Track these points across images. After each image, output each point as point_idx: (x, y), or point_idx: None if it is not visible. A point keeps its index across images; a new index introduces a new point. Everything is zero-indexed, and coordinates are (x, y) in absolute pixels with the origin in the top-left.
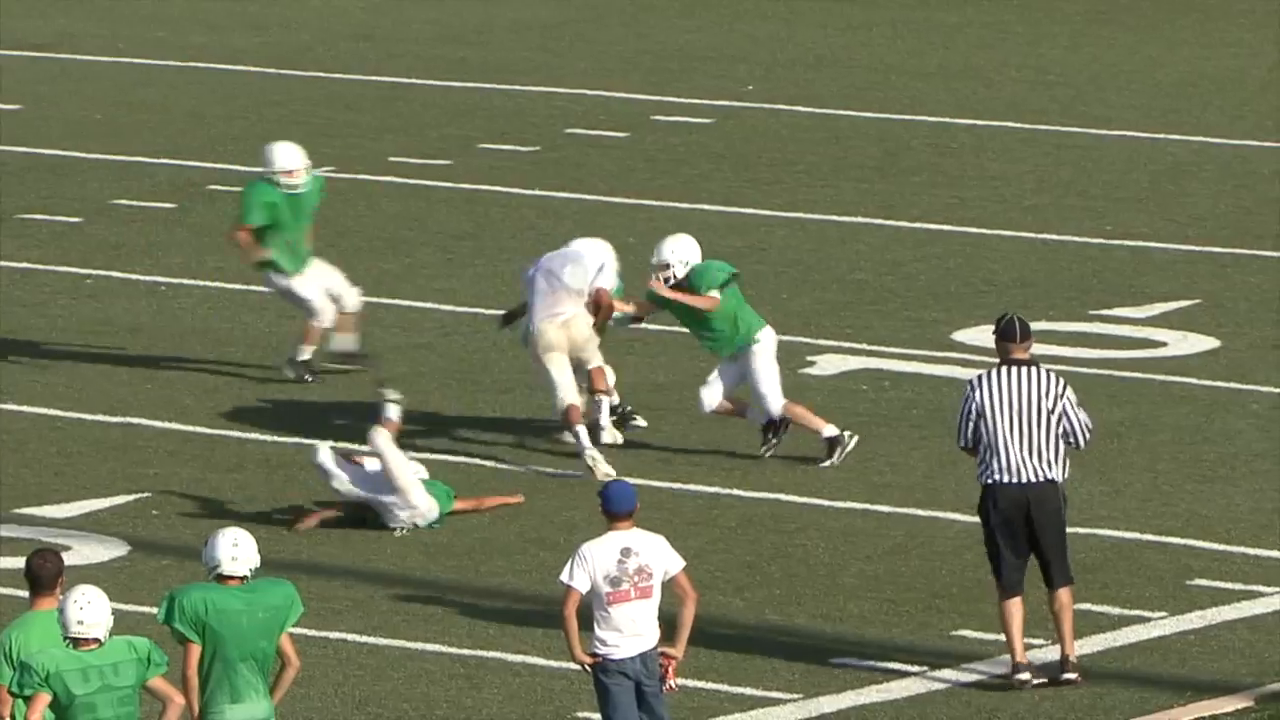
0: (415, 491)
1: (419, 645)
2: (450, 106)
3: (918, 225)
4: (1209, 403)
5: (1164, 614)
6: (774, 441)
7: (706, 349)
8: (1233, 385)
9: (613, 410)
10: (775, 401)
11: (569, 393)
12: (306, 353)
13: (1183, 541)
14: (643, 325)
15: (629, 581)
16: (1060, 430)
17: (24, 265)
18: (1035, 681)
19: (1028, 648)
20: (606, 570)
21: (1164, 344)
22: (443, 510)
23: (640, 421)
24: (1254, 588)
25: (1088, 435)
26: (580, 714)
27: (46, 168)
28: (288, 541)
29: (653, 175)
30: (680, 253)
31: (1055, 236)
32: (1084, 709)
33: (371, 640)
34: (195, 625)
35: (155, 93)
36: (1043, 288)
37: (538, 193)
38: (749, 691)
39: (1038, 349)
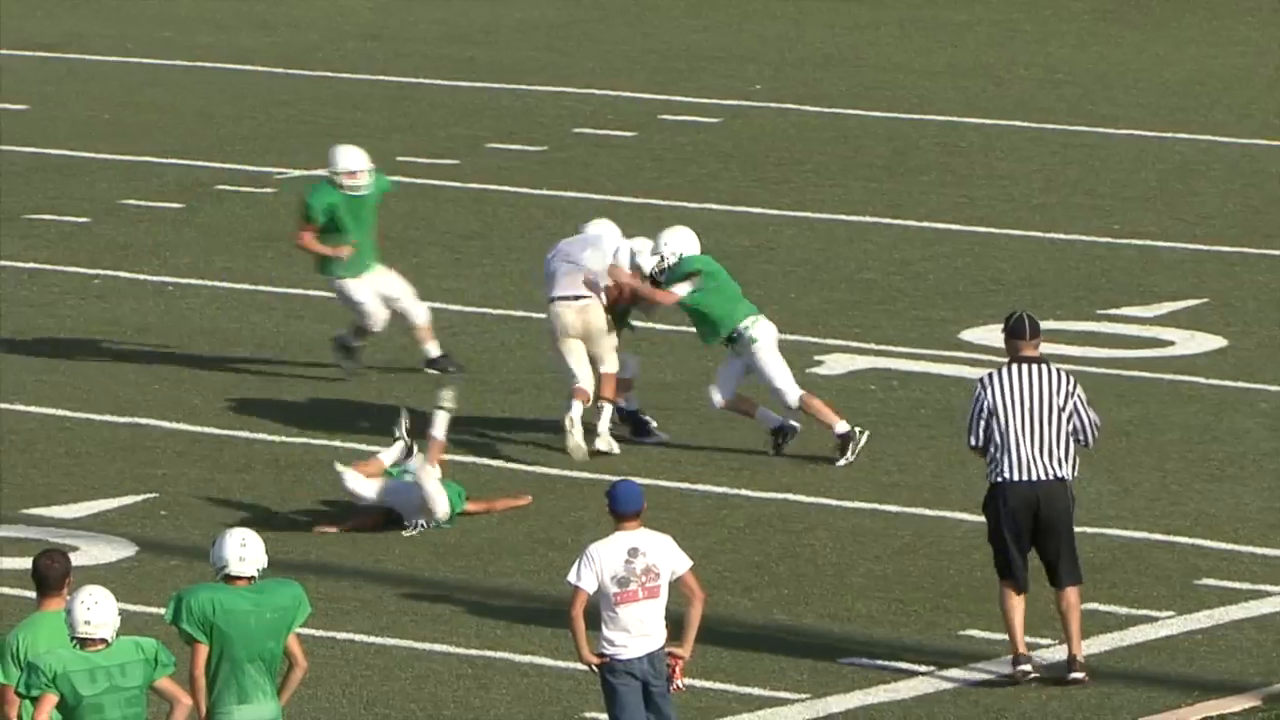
0: (440, 505)
1: (427, 645)
2: (458, 106)
3: (926, 224)
4: (1217, 402)
5: (1172, 613)
6: (781, 445)
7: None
8: (1241, 384)
9: (632, 418)
10: (791, 394)
11: (584, 379)
12: (432, 348)
13: (1191, 541)
14: (650, 325)
15: (636, 581)
16: (1070, 428)
17: (32, 265)
18: (1034, 674)
19: (1034, 648)
20: (614, 570)
21: (1172, 343)
22: (454, 510)
23: (662, 435)
24: (1262, 587)
25: (1096, 433)
26: (588, 714)
27: (54, 168)
28: (295, 542)
29: (660, 175)
30: (672, 244)
31: (1063, 235)
32: (1091, 709)
33: (379, 640)
34: (203, 626)
35: (163, 93)
36: (1051, 287)
37: (545, 192)
38: (757, 691)
39: (1046, 348)
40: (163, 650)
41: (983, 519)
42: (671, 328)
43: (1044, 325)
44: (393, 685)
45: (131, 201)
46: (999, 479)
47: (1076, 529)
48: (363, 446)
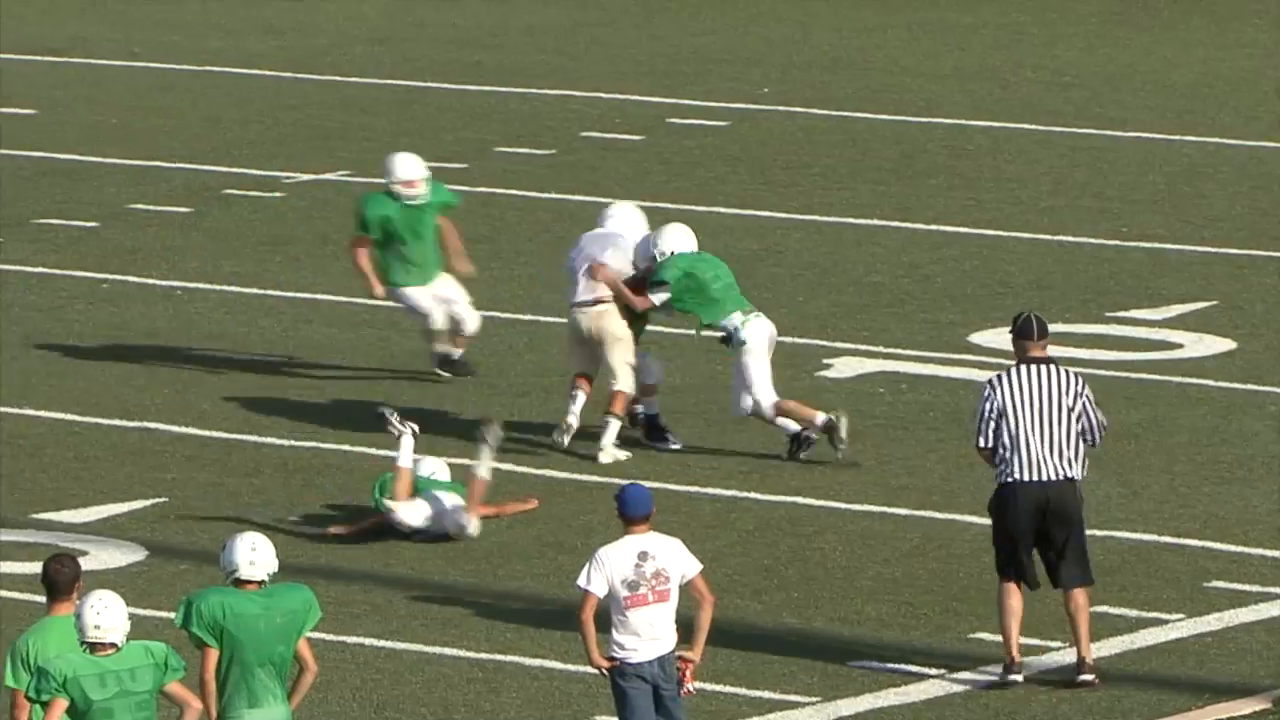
0: (473, 529)
1: (437, 649)
2: (465, 110)
3: (934, 227)
4: (1225, 404)
5: (1181, 616)
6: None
7: None
8: (1249, 387)
9: (650, 422)
10: (765, 399)
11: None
12: (455, 351)
13: (1200, 543)
14: (658, 328)
15: (646, 585)
16: (1080, 428)
17: (40, 270)
18: (1021, 683)
19: (1044, 650)
20: (624, 574)
21: (1180, 346)
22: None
23: (676, 444)
24: (1272, 590)
25: (1102, 433)
26: (598, 718)
27: (62, 172)
28: (305, 546)
29: (668, 178)
30: (660, 243)
31: (1071, 238)
32: (1101, 711)
33: (389, 644)
34: (213, 630)
35: (170, 97)
36: (1059, 290)
37: (553, 196)
38: (767, 695)
39: (1055, 351)
40: (172, 654)
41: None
42: (681, 331)
43: (1052, 328)
44: (403, 689)
45: (139, 206)
46: (1009, 479)
47: (1086, 532)
48: (371, 450)
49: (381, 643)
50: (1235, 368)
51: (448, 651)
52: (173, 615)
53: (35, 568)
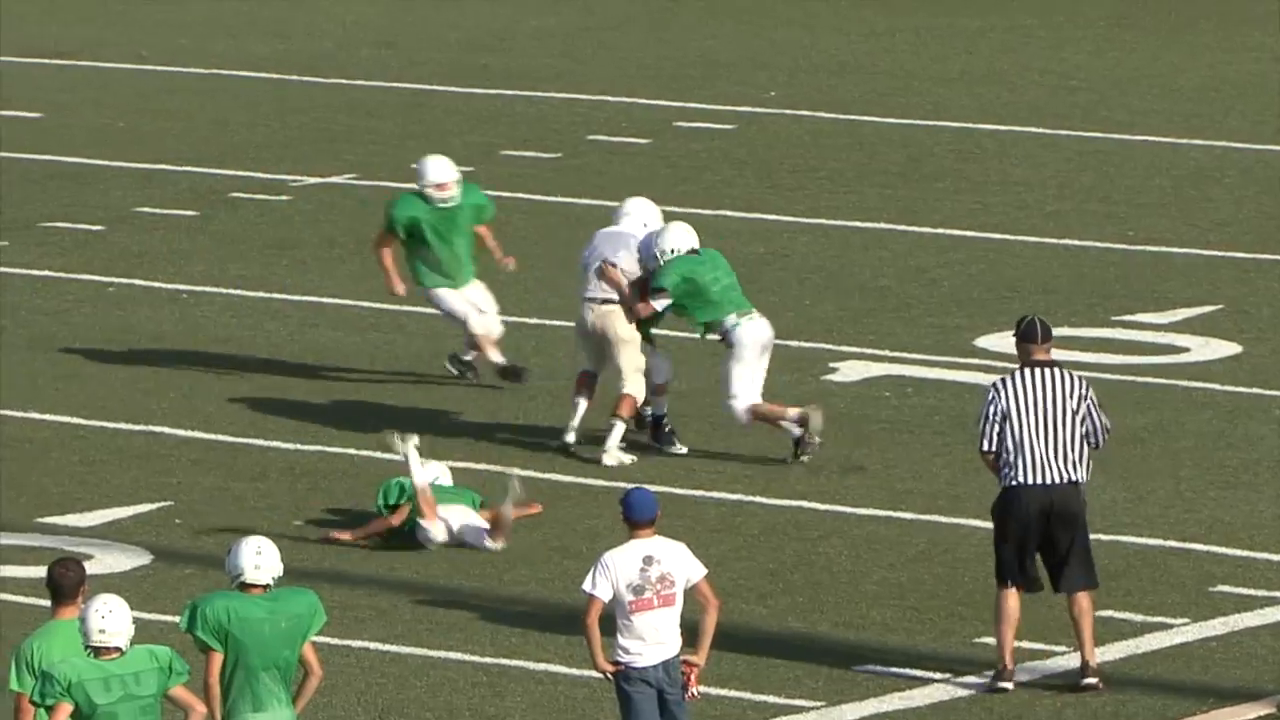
0: (496, 547)
1: (442, 654)
2: (472, 113)
3: (940, 231)
4: (1231, 408)
5: (1187, 621)
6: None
7: None
8: (1255, 391)
9: (656, 423)
10: (740, 401)
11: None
12: (498, 356)
13: (1205, 548)
14: (663, 331)
15: (651, 589)
16: (1084, 430)
17: (46, 273)
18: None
19: (1049, 655)
20: (629, 578)
21: (1186, 349)
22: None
23: (681, 449)
24: (1277, 594)
25: (1106, 436)
26: None
27: (68, 176)
28: (310, 550)
29: (675, 182)
30: (663, 242)
31: (1077, 242)
32: (1106, 716)
33: (394, 649)
34: (218, 634)
35: (177, 100)
36: (1065, 293)
37: (560, 199)
38: (771, 699)
39: (1060, 355)
40: (177, 658)
41: None
42: (687, 335)
43: (1058, 332)
44: (408, 693)
45: (146, 209)
46: (1013, 482)
47: (1091, 536)
48: (377, 454)
49: (386, 647)
50: (1241, 372)
51: (452, 656)
52: (178, 619)
53: (40, 572)
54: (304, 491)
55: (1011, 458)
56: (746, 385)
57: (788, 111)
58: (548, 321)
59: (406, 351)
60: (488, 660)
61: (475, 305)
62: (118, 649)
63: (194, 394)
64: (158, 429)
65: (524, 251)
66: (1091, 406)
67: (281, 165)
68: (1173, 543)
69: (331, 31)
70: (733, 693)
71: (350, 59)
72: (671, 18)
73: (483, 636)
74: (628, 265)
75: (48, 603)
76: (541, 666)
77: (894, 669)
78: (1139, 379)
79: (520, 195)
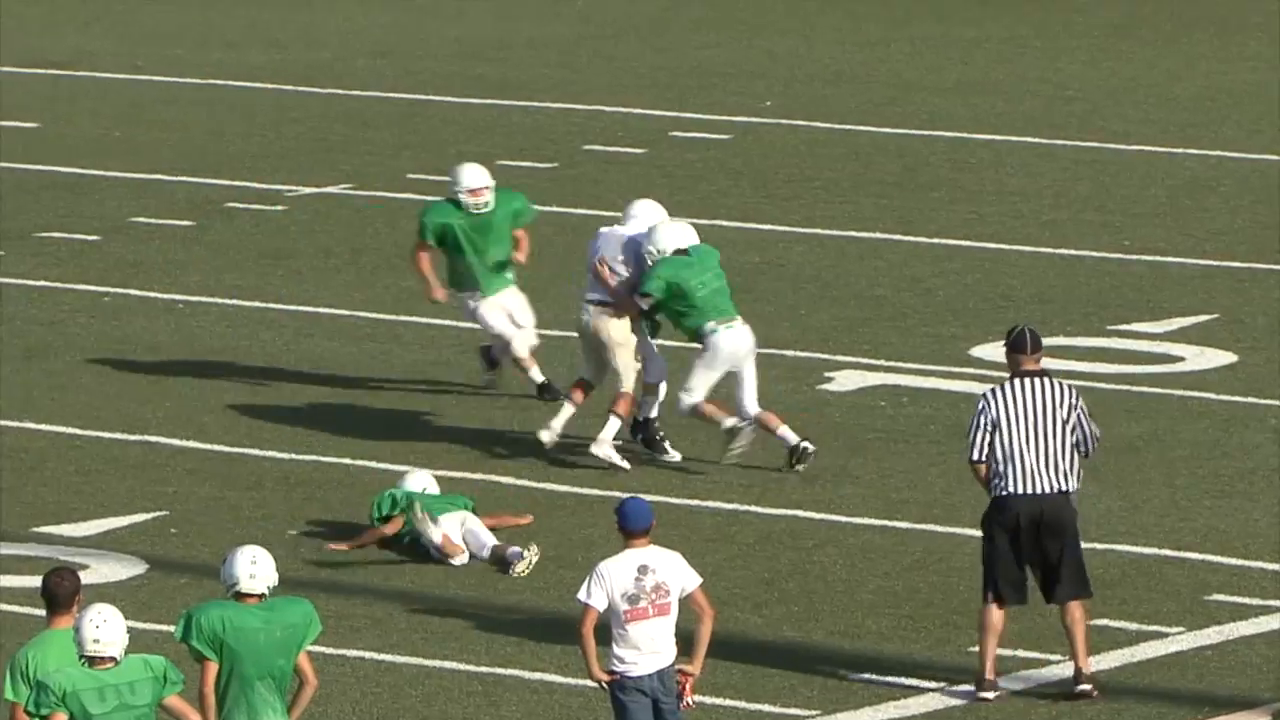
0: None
1: (436, 663)
2: (468, 123)
3: (936, 241)
4: (1227, 417)
5: (1182, 629)
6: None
7: None
8: (1251, 400)
9: (645, 428)
10: (691, 397)
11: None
12: (538, 374)
13: (1201, 556)
14: (662, 341)
15: (647, 599)
16: (1074, 440)
17: (42, 283)
18: (994, 697)
19: (1044, 664)
20: (624, 588)
21: (1182, 359)
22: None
23: (673, 455)
24: (1272, 603)
25: (1096, 444)
26: None
27: (65, 185)
28: (305, 559)
29: (671, 191)
30: (653, 241)
31: (1073, 251)
32: None
33: (389, 658)
34: (213, 643)
35: (173, 110)
36: (1061, 303)
37: (556, 209)
38: (767, 708)
39: (1056, 364)
40: (171, 668)
41: None
42: (683, 344)
43: (1054, 341)
44: (402, 703)
45: (141, 219)
46: (1003, 492)
47: (1086, 545)
48: (372, 464)
49: (381, 656)
50: (1237, 381)
51: (447, 665)
52: (173, 629)
53: (36, 581)
54: (299, 501)
55: (1001, 468)
56: (704, 387)
57: (783, 121)
58: (543, 331)
59: (402, 361)
60: (483, 669)
61: (513, 318)
62: (112, 659)
63: (189, 404)
64: (153, 439)
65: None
66: (1082, 416)
67: (277, 175)
68: (1168, 551)
69: (327, 41)
70: (728, 702)
71: (346, 69)
72: (667, 28)
73: (478, 645)
74: (624, 272)
75: (43, 612)
76: (537, 676)
77: (889, 678)
78: (1134, 388)
79: None
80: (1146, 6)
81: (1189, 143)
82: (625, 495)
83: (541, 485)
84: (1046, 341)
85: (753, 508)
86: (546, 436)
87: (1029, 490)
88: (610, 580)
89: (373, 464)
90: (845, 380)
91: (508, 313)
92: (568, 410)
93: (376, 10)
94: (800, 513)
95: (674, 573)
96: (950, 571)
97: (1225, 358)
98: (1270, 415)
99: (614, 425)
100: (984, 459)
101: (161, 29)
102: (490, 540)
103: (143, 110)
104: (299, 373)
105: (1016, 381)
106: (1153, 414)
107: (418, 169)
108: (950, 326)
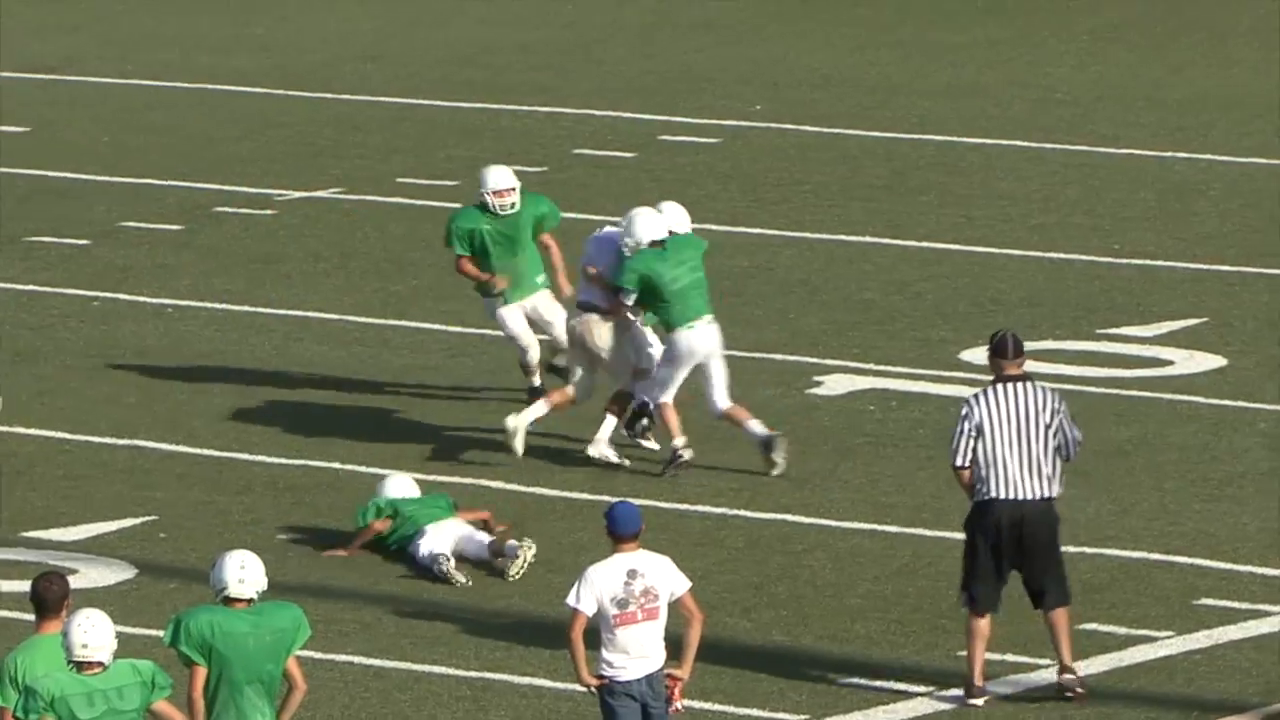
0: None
1: (425, 668)
2: (457, 127)
3: (925, 244)
4: (1216, 421)
5: (1171, 633)
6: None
7: None
8: (1240, 404)
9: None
10: (651, 391)
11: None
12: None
13: (1189, 561)
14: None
15: (635, 603)
16: (1056, 444)
17: (31, 288)
18: (983, 703)
19: (1033, 669)
20: (613, 592)
21: (1171, 363)
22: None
23: (651, 444)
24: (1261, 607)
25: (1078, 449)
26: None
27: (54, 190)
28: (294, 564)
29: (660, 195)
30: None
31: (1062, 255)
32: None
33: (378, 663)
34: (201, 648)
35: (162, 115)
36: (1050, 307)
37: None
38: (756, 713)
39: (1045, 368)
40: (159, 673)
41: None
42: None
43: (1043, 345)
44: (391, 707)
45: (131, 224)
46: (986, 497)
47: (1075, 549)
48: (361, 468)
49: (370, 661)
50: (1226, 385)
51: (436, 670)
52: (162, 634)
53: (24, 586)
54: (288, 505)
55: (984, 472)
56: (670, 386)
57: (772, 125)
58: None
59: (391, 365)
60: (472, 674)
61: (538, 321)
62: (100, 664)
63: (178, 408)
64: (142, 443)
65: None
66: (1064, 419)
67: (266, 179)
68: (1157, 555)
69: (317, 45)
70: (716, 706)
71: (335, 73)
72: (656, 32)
73: (467, 650)
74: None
75: (32, 617)
76: (526, 680)
77: (878, 682)
78: (1124, 392)
79: None
80: (1135, 10)
81: (1178, 146)
82: (614, 500)
83: (531, 490)
84: (1036, 345)
85: (742, 512)
86: (593, 451)
87: (1012, 495)
88: (599, 585)
89: (361, 468)
90: (834, 384)
91: (530, 319)
92: (537, 409)
93: (365, 14)
94: (789, 517)
95: (663, 577)
96: (939, 575)
97: (1214, 361)
98: (1259, 419)
99: (609, 425)
100: (967, 464)
101: (150, 33)
102: (484, 538)
103: (132, 115)
104: (288, 377)
105: (999, 386)
106: (1142, 418)
107: (407, 173)
108: (939, 330)
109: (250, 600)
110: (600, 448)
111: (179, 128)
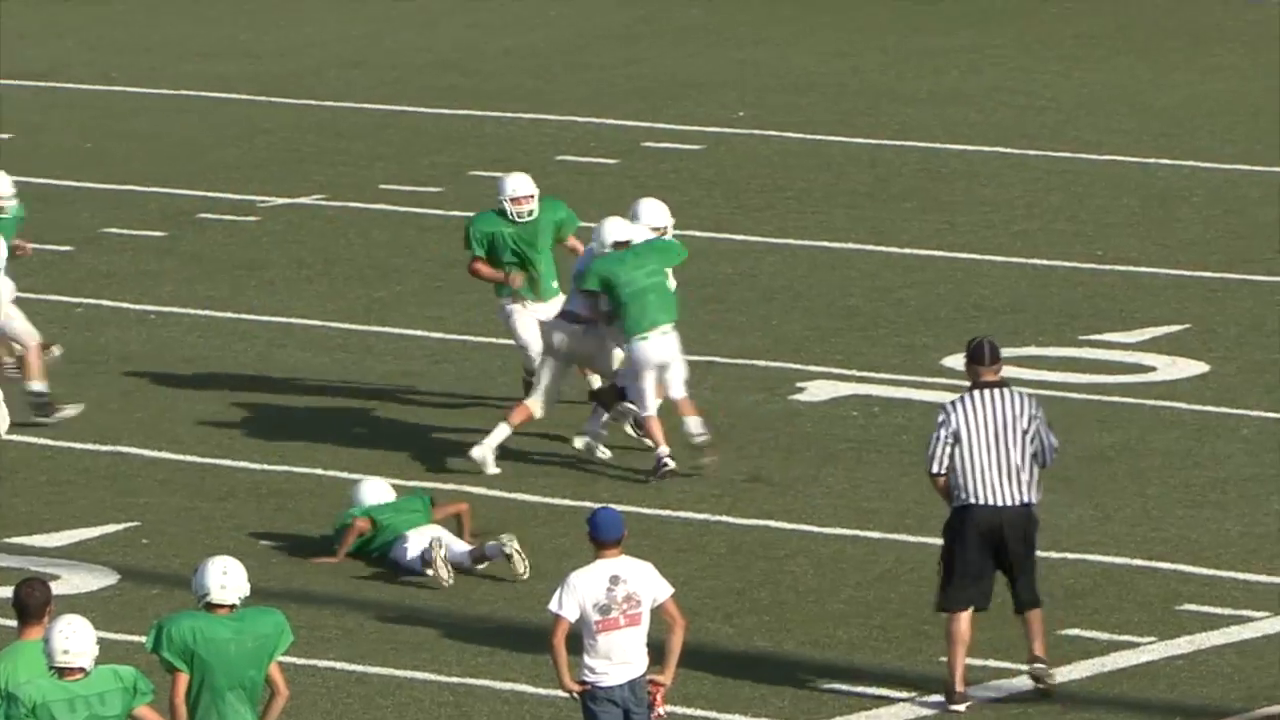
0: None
1: (408, 673)
2: (441, 134)
3: (908, 251)
4: (1198, 427)
5: (1153, 639)
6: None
7: None
8: (1222, 410)
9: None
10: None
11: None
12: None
13: (1172, 566)
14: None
15: (618, 609)
16: (1033, 449)
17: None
18: (965, 708)
19: (1015, 674)
20: (595, 598)
21: (1154, 369)
22: (426, 520)
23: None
24: (1243, 613)
25: (1054, 455)
26: None
27: (37, 196)
28: (277, 570)
29: None
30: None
31: (1045, 261)
32: None
33: (360, 668)
34: (183, 654)
35: (146, 121)
36: (1033, 313)
37: None
38: (738, 718)
39: (1027, 374)
40: (141, 678)
41: None
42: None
43: (1026, 351)
44: (374, 713)
45: (114, 230)
46: (964, 503)
47: (1057, 555)
48: (343, 474)
49: (352, 667)
50: (1208, 391)
51: (419, 675)
52: (144, 639)
53: (6, 592)
54: (271, 511)
55: (962, 479)
56: (645, 396)
57: (756, 132)
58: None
59: (374, 371)
60: (454, 680)
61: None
62: (82, 669)
63: (161, 414)
64: (125, 449)
65: None
66: (1041, 426)
67: (250, 186)
68: (1139, 561)
69: (300, 52)
70: (699, 712)
71: (319, 79)
72: (640, 38)
73: (449, 656)
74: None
75: (13, 623)
76: (508, 686)
77: (860, 688)
78: (1106, 398)
79: None
80: (1119, 17)
81: (1161, 153)
82: (597, 506)
83: (513, 495)
84: (1019, 351)
85: (724, 518)
86: (480, 452)
87: (990, 501)
88: (581, 590)
89: (344, 474)
90: (817, 390)
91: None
92: (502, 431)
93: (349, 21)
94: (771, 523)
95: (645, 583)
96: (921, 581)
97: (1197, 368)
98: (1242, 425)
99: (599, 416)
100: (944, 471)
101: (134, 40)
102: (463, 547)
103: (115, 121)
104: (271, 383)
105: (976, 393)
106: (1124, 424)
107: (390, 179)
108: (922, 336)
109: (233, 606)
110: (584, 441)
111: (162, 134)
